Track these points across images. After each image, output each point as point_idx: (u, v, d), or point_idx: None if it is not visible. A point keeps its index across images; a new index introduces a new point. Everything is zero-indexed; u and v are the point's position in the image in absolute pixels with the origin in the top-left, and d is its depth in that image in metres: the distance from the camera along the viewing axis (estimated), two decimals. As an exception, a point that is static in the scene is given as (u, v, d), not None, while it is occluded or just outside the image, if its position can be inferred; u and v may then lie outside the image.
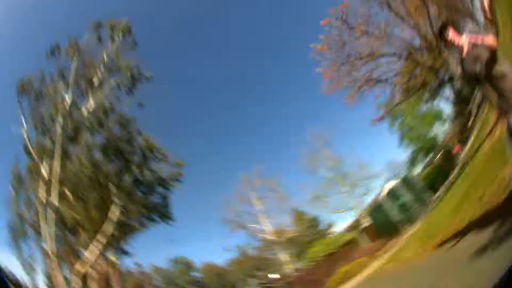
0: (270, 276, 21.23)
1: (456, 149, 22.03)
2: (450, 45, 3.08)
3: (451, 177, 17.90)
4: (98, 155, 15.04)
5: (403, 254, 10.36)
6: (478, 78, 2.95)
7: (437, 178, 21.01)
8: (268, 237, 22.92)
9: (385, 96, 15.79)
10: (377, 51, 14.76)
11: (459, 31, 3.19)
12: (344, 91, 15.49)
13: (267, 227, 22.64)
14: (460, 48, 3.00)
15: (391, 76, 15.00)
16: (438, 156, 26.46)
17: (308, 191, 23.54)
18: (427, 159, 29.32)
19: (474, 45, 2.83)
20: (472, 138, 19.16)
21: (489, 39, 2.84)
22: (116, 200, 14.33)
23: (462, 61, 3.05)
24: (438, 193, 18.05)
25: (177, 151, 17.96)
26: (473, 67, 2.94)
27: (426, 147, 29.76)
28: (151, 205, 16.50)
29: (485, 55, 2.83)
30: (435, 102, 27.67)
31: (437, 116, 29.04)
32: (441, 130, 31.53)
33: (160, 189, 16.59)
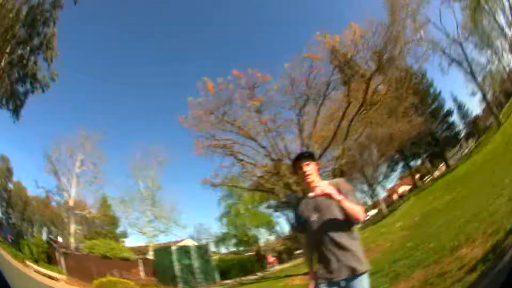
0: (59, 238, 21.00)
1: (270, 260, 22.90)
2: (301, 177, 2.41)
3: (248, 278, 18.25)
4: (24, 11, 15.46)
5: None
6: (304, 225, 2.38)
7: (236, 268, 21.42)
8: (69, 201, 21.51)
9: (231, 170, 14.62)
10: (251, 133, 13.73)
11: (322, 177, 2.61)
12: (198, 137, 13.89)
13: (72, 192, 21.68)
14: (308, 186, 2.36)
15: (248, 161, 14.06)
16: (250, 253, 26.60)
17: (120, 190, 23.66)
18: (239, 248, 31.15)
19: (328, 196, 2.13)
20: (288, 264, 20.67)
21: (356, 209, 2.19)
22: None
23: (301, 200, 2.52)
24: (229, 281, 18.01)
25: (66, 65, 18.03)
26: (307, 212, 2.36)
27: (241, 238, 31.31)
28: (15, 90, 16.85)
29: (332, 214, 2.23)
30: (276, 213, 30.19)
31: (269, 224, 31.13)
32: (265, 235, 34.95)
33: (28, 84, 17.01)
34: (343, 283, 2.22)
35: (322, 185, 2.17)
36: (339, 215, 2.23)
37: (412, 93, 17.17)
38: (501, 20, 26.79)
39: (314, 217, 2.32)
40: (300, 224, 2.48)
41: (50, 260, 13.88)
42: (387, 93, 15.41)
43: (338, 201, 2.14)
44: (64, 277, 12.39)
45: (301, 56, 13.55)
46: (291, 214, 22.05)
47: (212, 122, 13.16)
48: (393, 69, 15.52)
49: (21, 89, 17.14)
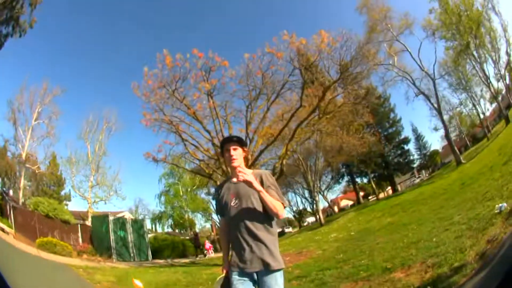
0: (11, 191, 21.42)
1: (206, 246, 22.87)
2: (226, 160, 2.39)
3: (180, 260, 18.07)
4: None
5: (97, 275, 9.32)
6: (223, 209, 2.34)
7: (169, 249, 21.30)
8: (22, 154, 22.01)
9: (175, 148, 14.65)
10: (198, 115, 13.80)
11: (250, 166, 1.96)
12: (147, 108, 13.85)
13: (26, 145, 22.11)
14: (233, 170, 2.33)
15: (191, 142, 14.06)
16: (185, 236, 26.96)
17: (69, 150, 24.55)
18: (176, 230, 31.64)
19: (248, 184, 2.07)
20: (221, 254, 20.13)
21: (275, 204, 2.12)
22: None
23: (224, 183, 2.48)
24: (161, 261, 17.64)
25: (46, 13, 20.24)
26: (227, 197, 2.32)
27: (177, 220, 30.16)
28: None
29: (251, 203, 2.18)
30: (214, 201, 30.11)
31: (205, 210, 31.36)
32: (201, 222, 35.10)
33: (10, 27, 17.32)
34: (255, 276, 2.20)
35: (244, 172, 2.13)
36: (258, 206, 2.21)
37: (369, 112, 17.63)
38: (490, 70, 27.53)
39: (233, 202, 2.31)
40: (219, 207, 2.45)
41: (2, 212, 13.74)
42: (343, 105, 15.63)
43: (258, 192, 2.13)
44: (12, 231, 12.24)
45: (263, 50, 13.44)
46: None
47: (162, 96, 13.08)
48: (353, 85, 15.69)
49: (4, 30, 17.15)
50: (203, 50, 13.56)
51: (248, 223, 2.19)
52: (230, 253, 2.38)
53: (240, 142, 2.41)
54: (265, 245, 2.16)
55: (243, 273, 2.17)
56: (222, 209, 2.39)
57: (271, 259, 2.13)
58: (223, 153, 2.43)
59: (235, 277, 2.18)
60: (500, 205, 4.91)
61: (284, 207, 2.22)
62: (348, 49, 14.40)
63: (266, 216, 2.20)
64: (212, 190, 24.58)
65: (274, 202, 2.13)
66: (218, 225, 28.69)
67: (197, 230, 28.88)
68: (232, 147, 2.34)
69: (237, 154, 2.34)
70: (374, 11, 22.89)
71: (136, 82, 13.50)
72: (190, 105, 13.28)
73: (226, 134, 13.59)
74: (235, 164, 2.31)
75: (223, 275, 2.35)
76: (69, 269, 9.69)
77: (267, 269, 2.13)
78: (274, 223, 2.28)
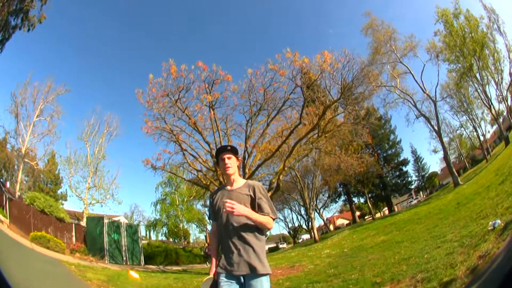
0: (8, 183, 21.65)
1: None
2: (221, 167, 2.50)
3: (172, 268, 18.47)
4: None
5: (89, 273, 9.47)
6: (216, 214, 2.44)
7: (162, 256, 20.78)
8: (22, 149, 22.37)
9: (174, 157, 14.80)
10: (198, 125, 13.99)
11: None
12: (149, 115, 13.75)
13: (26, 140, 22.41)
14: (227, 178, 2.48)
15: (190, 152, 14.26)
16: (179, 245, 26.96)
17: (68, 150, 25.50)
18: (171, 239, 31.01)
19: (237, 214, 2.19)
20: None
21: (263, 220, 2.26)
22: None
23: (219, 189, 2.56)
24: (153, 267, 17.87)
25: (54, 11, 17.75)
26: (220, 203, 2.39)
27: (171, 229, 30.13)
28: (8, 22, 17.75)
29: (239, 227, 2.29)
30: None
31: (200, 221, 32.11)
32: (196, 232, 35.01)
33: (19, 19, 18.00)
34: (242, 279, 2.27)
35: (231, 206, 2.21)
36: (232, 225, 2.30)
37: (368, 132, 17.69)
38: (492, 92, 27.23)
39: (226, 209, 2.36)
40: (212, 212, 2.53)
41: (-3, 202, 13.77)
42: (342, 125, 15.73)
43: (246, 217, 2.23)
44: (6, 221, 12.46)
45: (266, 67, 13.52)
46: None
47: (165, 105, 13.25)
48: (354, 105, 15.75)
49: (13, 22, 17.81)
50: (207, 62, 13.81)
51: (238, 228, 2.29)
52: (218, 256, 2.46)
53: (233, 151, 2.55)
54: (253, 250, 2.25)
55: (230, 276, 2.25)
56: (214, 213, 2.49)
57: (258, 263, 2.21)
58: (218, 162, 2.56)
59: (222, 279, 2.26)
60: (494, 221, 4.92)
61: (274, 219, 2.33)
62: (350, 70, 14.32)
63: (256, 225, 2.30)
64: (208, 202, 24.92)
65: (261, 219, 2.25)
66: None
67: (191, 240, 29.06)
68: (226, 156, 2.47)
69: (231, 162, 2.47)
70: (379, 33, 23.04)
71: (141, 89, 13.67)
72: (192, 115, 13.46)
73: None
74: (229, 171, 2.46)
75: (210, 276, 2.40)
76: (61, 264, 9.92)
77: (254, 273, 2.20)
78: (263, 231, 2.38)
